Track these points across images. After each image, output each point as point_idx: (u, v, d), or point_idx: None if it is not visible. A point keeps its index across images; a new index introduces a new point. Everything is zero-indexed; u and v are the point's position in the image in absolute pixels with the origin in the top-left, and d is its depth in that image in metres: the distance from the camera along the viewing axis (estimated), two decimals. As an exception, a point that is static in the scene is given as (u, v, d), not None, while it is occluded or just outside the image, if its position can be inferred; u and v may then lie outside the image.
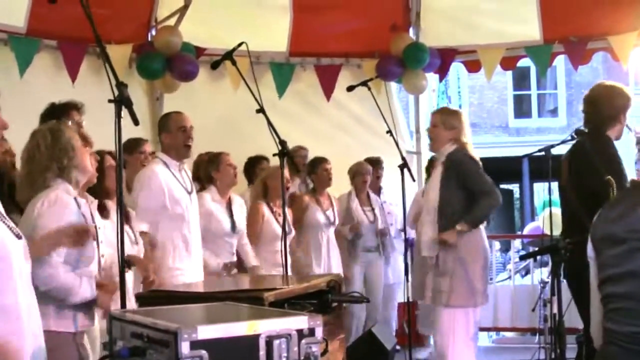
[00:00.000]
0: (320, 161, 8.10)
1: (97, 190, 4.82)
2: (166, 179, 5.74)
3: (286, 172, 7.23)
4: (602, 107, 5.46)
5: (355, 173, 8.48)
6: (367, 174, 8.47)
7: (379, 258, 8.52)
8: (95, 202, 4.73)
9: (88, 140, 4.48)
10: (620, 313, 3.07)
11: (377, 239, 8.51)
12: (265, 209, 7.17)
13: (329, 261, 7.93)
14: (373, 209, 8.50)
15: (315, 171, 8.03)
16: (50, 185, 3.96)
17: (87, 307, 4.04)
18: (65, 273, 3.85)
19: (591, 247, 3.25)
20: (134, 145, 6.38)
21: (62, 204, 3.91)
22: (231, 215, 6.63)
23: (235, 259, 6.63)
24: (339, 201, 8.36)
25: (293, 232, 7.29)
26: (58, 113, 5.04)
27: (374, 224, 8.43)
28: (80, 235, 3.75)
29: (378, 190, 8.83)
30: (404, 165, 6.95)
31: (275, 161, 7.26)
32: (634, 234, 3.04)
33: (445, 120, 6.05)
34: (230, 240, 6.63)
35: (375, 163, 8.73)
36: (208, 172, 6.66)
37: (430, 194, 6.04)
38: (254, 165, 7.90)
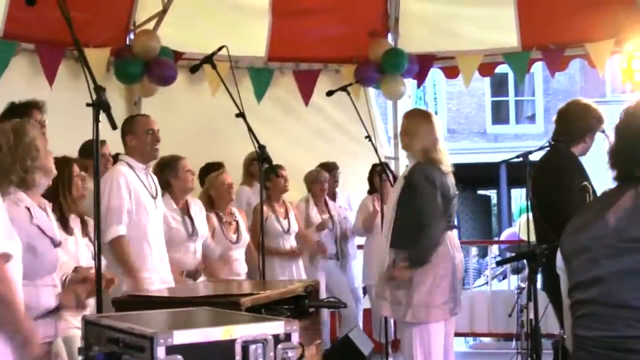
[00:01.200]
0: (275, 168, 7.92)
1: (59, 201, 4.69)
2: (131, 182, 5.61)
3: (228, 179, 7.11)
4: (574, 124, 5.50)
5: (314, 180, 8.42)
6: (325, 182, 8.42)
7: (336, 265, 8.51)
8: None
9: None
10: (587, 318, 3.12)
11: (335, 246, 8.48)
12: (214, 220, 6.93)
13: (294, 269, 7.79)
14: (332, 216, 8.48)
15: (271, 178, 7.59)
16: (7, 193, 3.72)
17: (48, 317, 3.88)
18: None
19: (560, 257, 3.30)
20: (92, 148, 6.11)
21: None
22: (190, 220, 6.40)
23: (200, 264, 6.49)
24: (297, 208, 8.21)
25: (247, 238, 7.17)
26: (19, 112, 4.90)
27: (332, 231, 8.42)
28: None
29: (334, 195, 8.82)
30: (382, 171, 6.97)
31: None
32: (597, 241, 3.09)
33: (405, 126, 5.79)
34: (193, 244, 6.41)
35: (331, 168, 8.71)
36: (165, 177, 6.34)
37: (388, 207, 5.80)
38: (209, 172, 7.44)
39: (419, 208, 5.47)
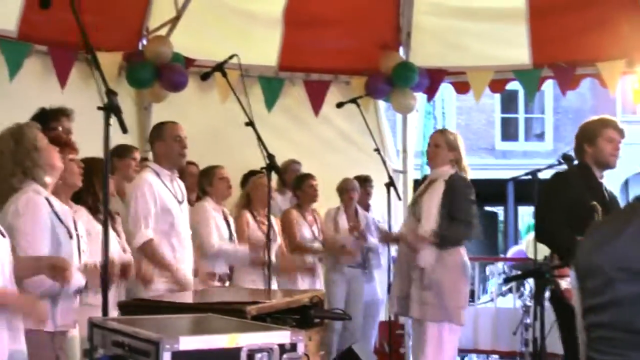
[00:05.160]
0: (306, 177, 8.13)
1: (88, 198, 4.89)
2: (157, 188, 5.72)
3: (266, 182, 7.29)
4: (579, 134, 5.80)
5: (342, 190, 8.50)
6: (353, 190, 8.48)
7: (362, 274, 8.50)
8: (83, 210, 4.75)
9: (73, 146, 4.48)
10: (603, 342, 3.07)
11: (362, 255, 8.49)
12: (249, 216, 7.24)
13: (313, 276, 7.92)
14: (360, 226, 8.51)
15: (301, 187, 8.04)
16: (19, 188, 3.93)
17: (68, 306, 4.01)
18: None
19: (574, 275, 3.25)
20: (125, 151, 6.40)
21: (34, 205, 3.90)
22: (229, 226, 6.74)
23: (228, 270, 6.65)
24: (326, 216, 8.39)
25: (279, 240, 7.30)
26: (48, 118, 5.02)
27: (359, 240, 8.42)
28: (57, 271, 3.66)
29: (367, 208, 8.84)
30: (390, 184, 6.97)
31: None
32: (613, 263, 3.05)
33: (448, 140, 6.14)
34: None
35: (364, 181, 8.75)
36: (202, 185, 6.84)
37: (429, 209, 6.04)
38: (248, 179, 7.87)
39: (463, 208, 5.99)
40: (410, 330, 8.10)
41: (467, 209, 5.99)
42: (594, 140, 5.64)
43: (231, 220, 6.89)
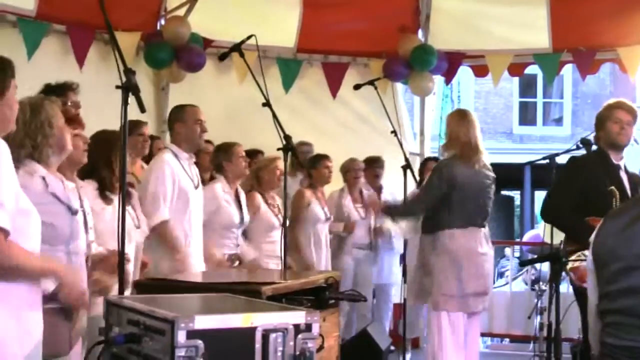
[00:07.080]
0: (322, 158, 8.06)
1: (103, 173, 4.88)
2: (176, 172, 5.73)
3: (281, 167, 7.26)
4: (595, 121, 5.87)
5: (347, 169, 8.46)
6: (359, 170, 8.45)
7: (369, 256, 8.50)
8: (89, 186, 4.73)
9: (80, 121, 4.43)
10: (618, 328, 3.08)
11: (369, 236, 8.48)
12: (260, 199, 7.11)
13: (326, 257, 7.91)
14: (365, 207, 8.49)
15: (316, 167, 7.96)
16: (18, 166, 3.66)
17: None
18: None
19: (591, 260, 3.25)
20: (133, 126, 6.23)
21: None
22: (240, 207, 6.60)
23: (239, 251, 6.59)
24: (330, 198, 8.32)
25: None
26: (54, 94, 4.97)
27: (365, 220, 8.39)
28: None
29: (379, 189, 8.80)
30: (407, 166, 6.94)
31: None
32: (630, 250, 3.05)
33: (449, 123, 6.12)
34: (237, 231, 6.58)
35: (374, 162, 8.70)
36: (219, 161, 6.62)
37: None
38: (250, 159, 7.75)
39: (421, 191, 6.18)
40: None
41: (426, 187, 6.13)
42: (603, 125, 5.70)
43: (243, 198, 6.70)
